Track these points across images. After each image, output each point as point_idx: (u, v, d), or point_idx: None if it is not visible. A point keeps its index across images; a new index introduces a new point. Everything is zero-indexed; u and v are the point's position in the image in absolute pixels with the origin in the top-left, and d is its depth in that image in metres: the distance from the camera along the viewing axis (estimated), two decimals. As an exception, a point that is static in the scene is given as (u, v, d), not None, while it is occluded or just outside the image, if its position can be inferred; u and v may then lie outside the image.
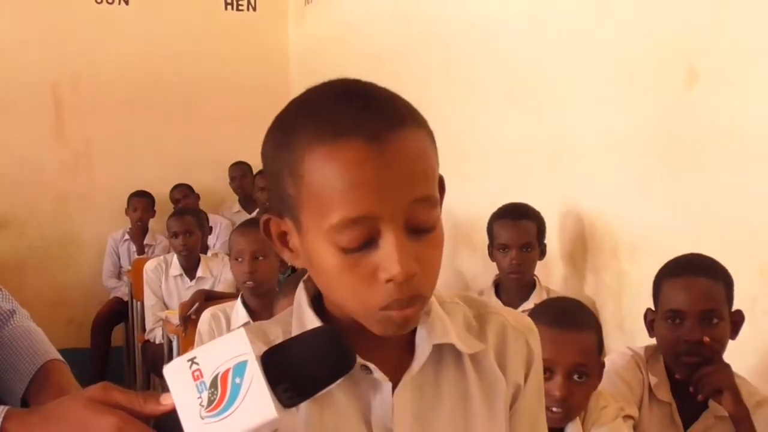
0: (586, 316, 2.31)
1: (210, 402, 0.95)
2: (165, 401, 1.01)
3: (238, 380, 0.95)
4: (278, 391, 0.96)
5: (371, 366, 1.13)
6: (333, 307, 1.17)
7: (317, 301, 1.19)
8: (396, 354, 1.17)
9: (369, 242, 1.05)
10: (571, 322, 2.22)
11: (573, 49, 3.61)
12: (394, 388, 1.15)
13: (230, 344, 0.97)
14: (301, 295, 1.19)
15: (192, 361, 0.96)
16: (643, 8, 3.19)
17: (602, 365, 2.30)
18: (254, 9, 7.27)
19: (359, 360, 1.11)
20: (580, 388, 2.18)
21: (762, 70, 2.68)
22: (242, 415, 0.94)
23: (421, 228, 1.07)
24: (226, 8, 7.21)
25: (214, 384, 0.95)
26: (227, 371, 0.95)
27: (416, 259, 1.06)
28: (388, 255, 1.04)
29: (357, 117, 1.05)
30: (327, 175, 1.05)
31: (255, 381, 0.95)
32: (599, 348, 2.27)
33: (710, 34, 2.87)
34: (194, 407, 0.95)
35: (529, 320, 1.30)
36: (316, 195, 1.06)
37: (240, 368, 0.95)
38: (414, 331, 1.17)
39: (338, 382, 1.03)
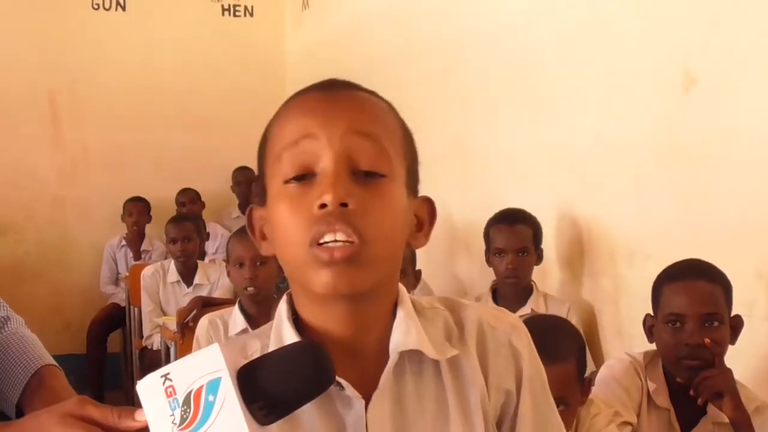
0: (566, 344, 2.25)
1: (182, 420, 0.93)
2: (140, 417, 1.00)
3: (211, 398, 0.93)
4: (253, 409, 0.94)
5: (343, 382, 1.10)
6: (308, 317, 1.15)
7: (297, 316, 1.17)
8: (372, 367, 1.14)
9: (309, 173, 1.08)
10: (549, 354, 2.17)
11: (570, 54, 3.60)
12: (369, 403, 1.12)
13: (204, 360, 0.95)
14: (282, 307, 1.18)
15: (165, 377, 0.94)
16: (639, 13, 3.18)
17: (587, 386, 2.27)
18: (251, 15, 7.27)
19: None
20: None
21: (759, 74, 2.68)
22: None
23: (362, 168, 1.08)
24: (223, 14, 7.21)
25: (186, 401, 0.93)
26: (200, 388, 0.93)
27: (356, 198, 1.06)
28: (322, 180, 1.06)
29: (324, 82, 1.15)
30: (281, 121, 1.13)
31: (228, 399, 0.93)
32: (580, 375, 2.24)
33: (707, 38, 2.86)
34: (166, 425, 0.93)
35: (513, 318, 1.25)
36: (271, 145, 1.13)
37: (213, 385, 0.93)
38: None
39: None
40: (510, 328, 1.21)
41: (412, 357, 1.15)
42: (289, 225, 1.08)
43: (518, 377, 1.20)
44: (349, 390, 1.11)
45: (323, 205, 1.04)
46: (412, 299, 1.20)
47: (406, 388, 1.15)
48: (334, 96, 1.12)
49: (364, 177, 1.08)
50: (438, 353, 1.15)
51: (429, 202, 1.20)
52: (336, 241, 1.04)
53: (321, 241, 1.05)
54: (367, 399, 1.12)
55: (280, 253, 1.12)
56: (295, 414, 1.05)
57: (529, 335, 1.23)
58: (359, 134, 1.08)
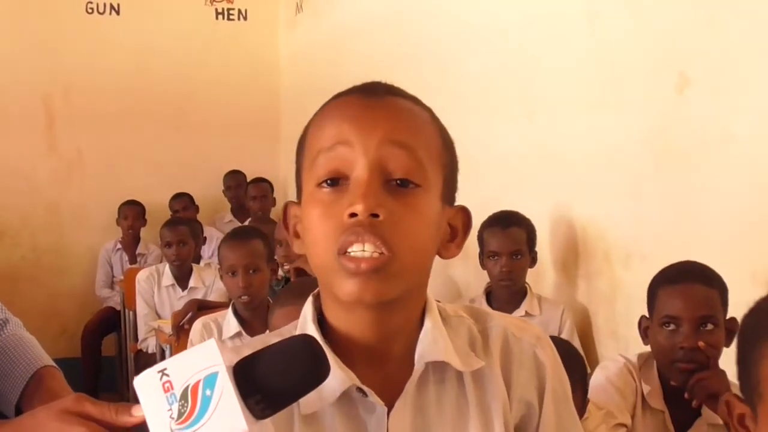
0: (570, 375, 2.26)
1: (180, 414, 0.93)
2: (137, 413, 1.00)
3: (208, 392, 0.93)
4: (250, 403, 0.94)
5: (366, 389, 1.10)
6: (334, 321, 1.15)
7: (323, 319, 1.17)
8: (396, 373, 1.14)
9: (342, 177, 1.08)
10: None
11: (564, 56, 3.60)
12: (392, 409, 1.12)
13: (201, 355, 0.95)
14: (308, 309, 1.18)
15: (162, 372, 0.94)
16: (634, 14, 3.19)
17: (584, 408, 2.27)
18: (245, 18, 7.27)
19: (356, 382, 1.10)
20: None
21: (754, 76, 2.68)
22: (212, 427, 0.92)
23: (394, 177, 1.08)
24: (217, 17, 7.21)
25: (184, 396, 0.93)
26: (198, 383, 0.93)
27: (387, 209, 1.05)
28: (354, 189, 1.06)
29: (365, 85, 1.15)
30: (320, 122, 1.13)
31: (225, 393, 0.93)
32: (582, 405, 2.23)
33: (702, 39, 2.86)
34: (164, 420, 0.93)
35: (537, 329, 1.25)
36: (309, 146, 1.14)
37: (210, 380, 0.93)
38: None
39: (326, 397, 1.02)
40: (535, 339, 1.21)
41: (436, 366, 1.15)
42: (319, 231, 1.09)
43: (540, 390, 1.20)
44: (372, 397, 1.11)
45: (353, 215, 1.05)
46: (438, 306, 1.20)
47: (428, 397, 1.15)
48: (373, 102, 1.12)
49: (398, 187, 1.08)
50: (464, 364, 1.15)
51: (464, 212, 1.20)
52: (364, 251, 1.05)
53: (349, 250, 1.05)
54: (389, 405, 1.12)
55: (310, 255, 1.13)
56: (317, 417, 1.07)
57: (553, 347, 1.23)
58: (395, 144, 1.08)
